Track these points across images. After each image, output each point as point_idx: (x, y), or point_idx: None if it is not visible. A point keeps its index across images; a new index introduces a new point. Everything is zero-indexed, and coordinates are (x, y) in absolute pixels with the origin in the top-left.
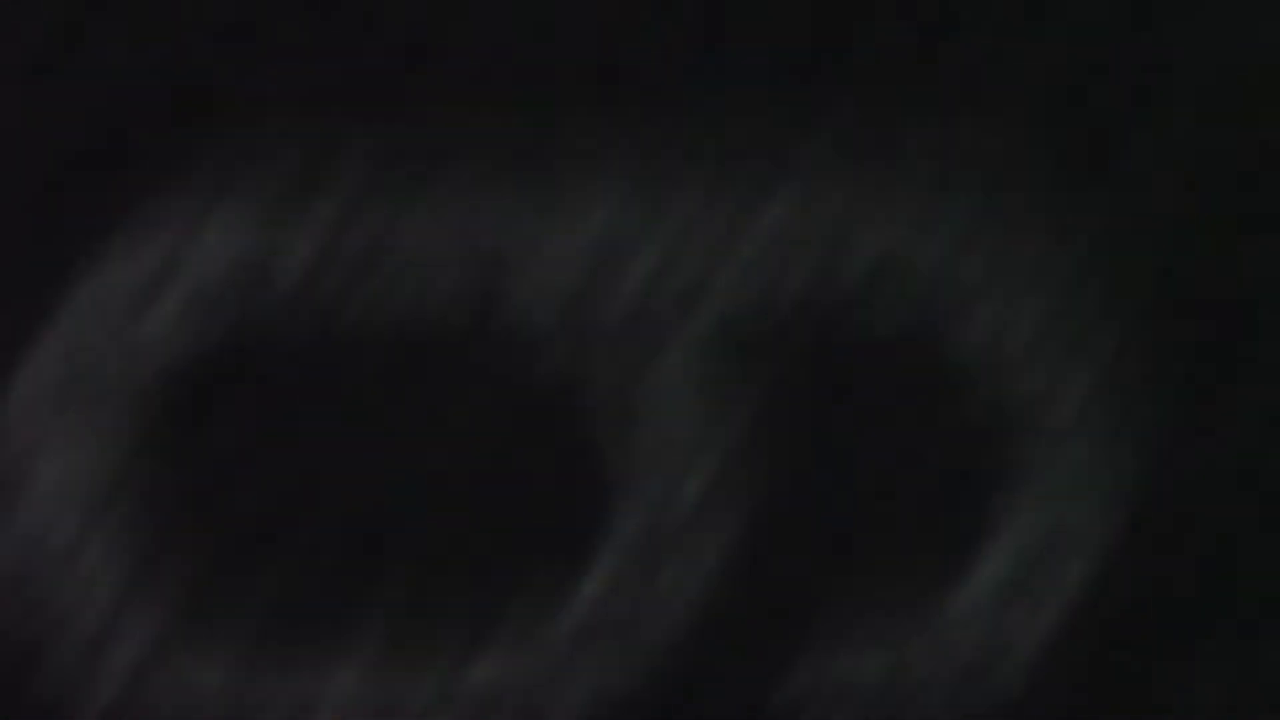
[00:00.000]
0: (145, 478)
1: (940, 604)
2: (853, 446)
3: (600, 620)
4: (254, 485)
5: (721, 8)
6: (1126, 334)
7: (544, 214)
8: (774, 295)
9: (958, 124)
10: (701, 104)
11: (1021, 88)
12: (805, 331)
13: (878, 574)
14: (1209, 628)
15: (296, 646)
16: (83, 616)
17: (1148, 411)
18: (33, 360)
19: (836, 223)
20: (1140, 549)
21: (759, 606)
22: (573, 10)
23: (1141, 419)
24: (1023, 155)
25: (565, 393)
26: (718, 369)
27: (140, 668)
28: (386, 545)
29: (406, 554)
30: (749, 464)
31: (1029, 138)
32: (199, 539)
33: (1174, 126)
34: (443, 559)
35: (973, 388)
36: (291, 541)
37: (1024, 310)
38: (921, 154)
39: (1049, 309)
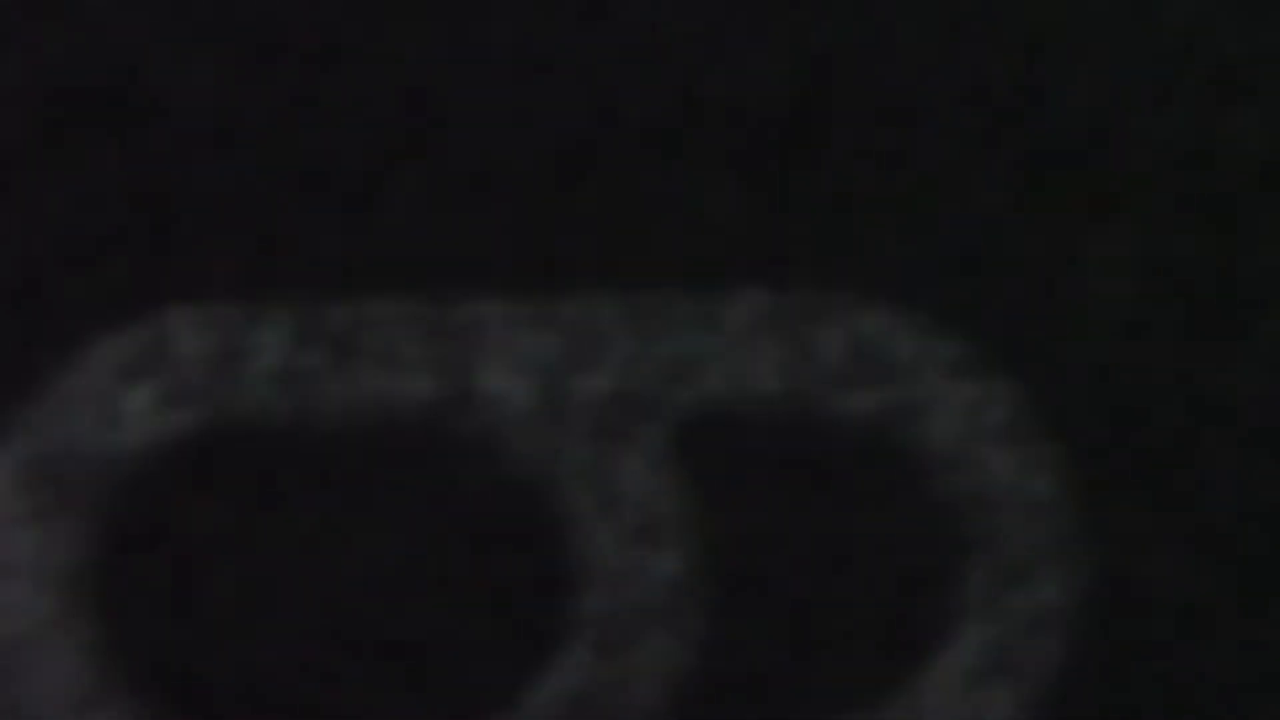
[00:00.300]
0: (121, 558)
1: (915, 680)
2: (827, 527)
3: (573, 700)
4: (230, 568)
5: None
6: (1097, 418)
7: (513, 304)
8: (749, 381)
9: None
10: (669, 195)
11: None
12: (779, 415)
13: (852, 651)
14: (1182, 704)
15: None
16: (55, 696)
17: (1120, 492)
18: (10, 439)
19: (808, 310)
20: (1114, 627)
21: (732, 686)
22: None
23: (1113, 499)
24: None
25: (539, 474)
26: (691, 452)
27: None
28: (360, 625)
29: (380, 633)
30: (723, 545)
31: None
32: (169, 622)
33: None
34: (415, 639)
35: (946, 468)
36: (259, 625)
37: (997, 393)
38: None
39: (1021, 393)
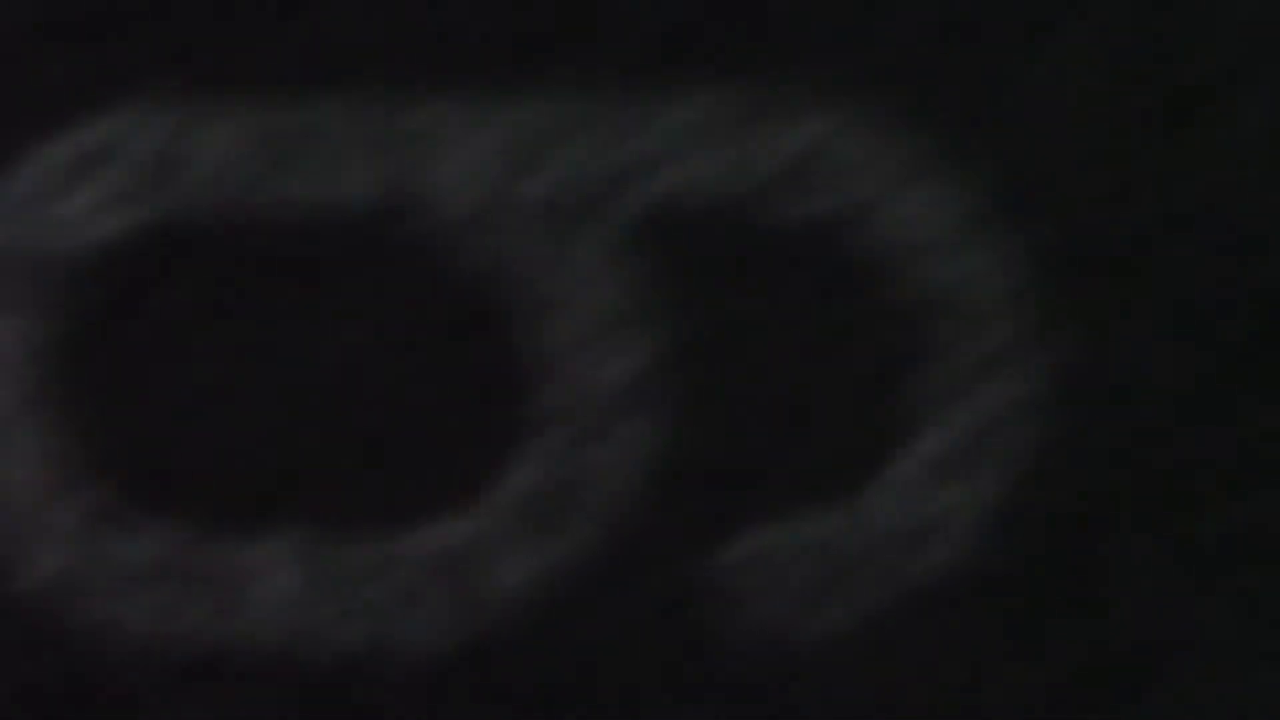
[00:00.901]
0: (73, 356)
1: (872, 480)
2: (778, 331)
3: (531, 498)
4: (178, 365)
5: None
6: (1048, 225)
7: (463, 106)
8: (694, 186)
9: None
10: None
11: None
12: (725, 220)
13: (821, 444)
14: (1145, 510)
15: (230, 519)
16: (14, 492)
17: (1073, 296)
18: None
19: (756, 114)
20: (1071, 429)
21: (689, 484)
22: None
23: (1082, 291)
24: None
25: (489, 276)
26: (638, 256)
27: (74, 543)
28: (312, 422)
29: (333, 430)
30: (673, 349)
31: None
32: (129, 415)
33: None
34: (368, 437)
35: (896, 274)
36: (218, 418)
37: (948, 199)
38: (844, 49)
39: (973, 199)
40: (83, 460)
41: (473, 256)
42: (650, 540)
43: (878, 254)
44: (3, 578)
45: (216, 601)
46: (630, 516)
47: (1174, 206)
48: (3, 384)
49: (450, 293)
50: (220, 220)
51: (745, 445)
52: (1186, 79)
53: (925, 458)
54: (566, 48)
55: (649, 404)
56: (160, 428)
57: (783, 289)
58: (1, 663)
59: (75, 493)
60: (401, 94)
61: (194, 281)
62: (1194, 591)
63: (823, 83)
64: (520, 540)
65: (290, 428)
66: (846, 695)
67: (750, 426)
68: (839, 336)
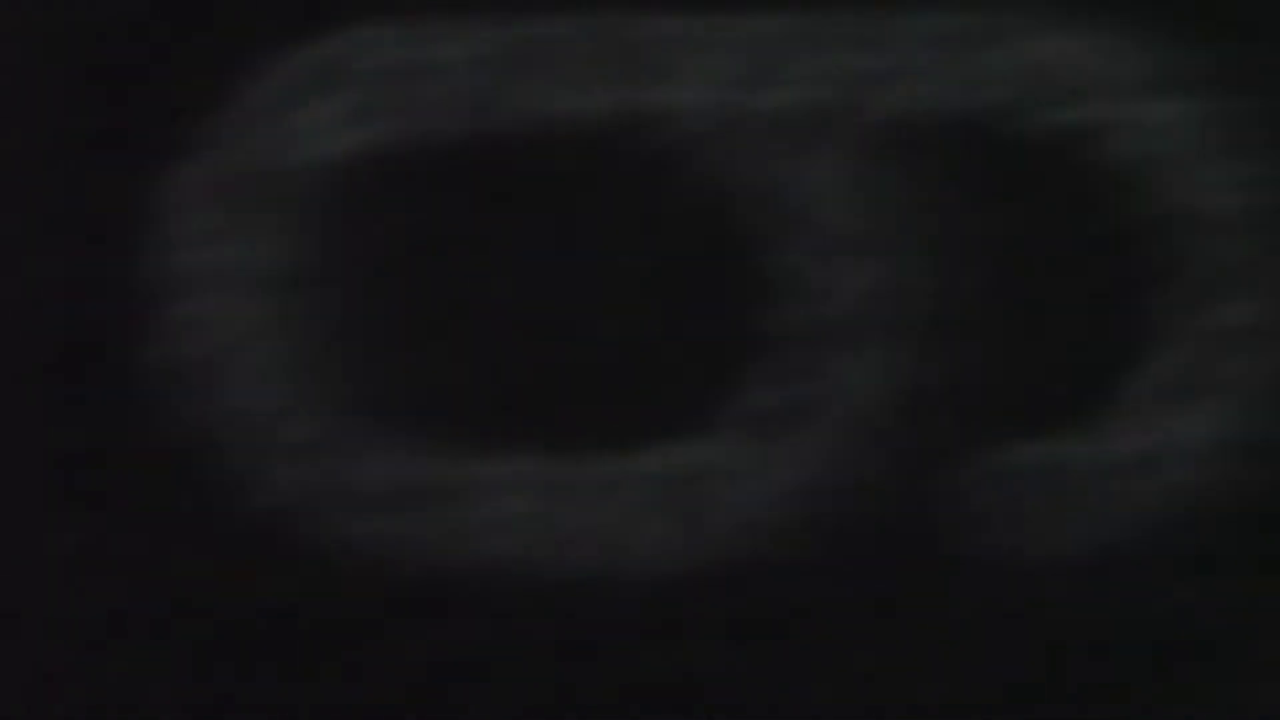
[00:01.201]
0: (312, 267)
1: (1107, 397)
2: (1014, 244)
3: (768, 413)
4: (417, 276)
5: None
6: None
7: (701, 18)
8: (934, 99)
9: None
10: None
11: None
12: (965, 134)
13: (1044, 368)
14: None
15: (468, 432)
16: (255, 403)
17: None
18: (199, 150)
19: (994, 25)
20: None
21: (926, 399)
22: None
23: None
24: None
25: (723, 190)
26: (876, 169)
27: (310, 462)
28: (551, 336)
29: (572, 344)
30: (911, 261)
31: None
32: (368, 328)
33: None
34: (607, 350)
35: (1134, 185)
36: (458, 330)
37: (1186, 108)
38: None
39: (1212, 108)
40: (319, 378)
41: (711, 170)
42: (887, 460)
43: (1117, 169)
44: (239, 495)
45: (447, 523)
46: (868, 436)
47: None
48: (240, 300)
49: (689, 207)
50: (456, 135)
51: (984, 362)
52: None
53: (1164, 376)
54: None
55: (887, 321)
56: (395, 346)
57: (1022, 203)
58: (237, 580)
59: (311, 411)
60: (640, 6)
61: (429, 197)
62: None
63: (1051, 6)
64: (755, 461)
65: (526, 345)
66: (1079, 616)
67: (989, 343)
68: (1078, 251)
